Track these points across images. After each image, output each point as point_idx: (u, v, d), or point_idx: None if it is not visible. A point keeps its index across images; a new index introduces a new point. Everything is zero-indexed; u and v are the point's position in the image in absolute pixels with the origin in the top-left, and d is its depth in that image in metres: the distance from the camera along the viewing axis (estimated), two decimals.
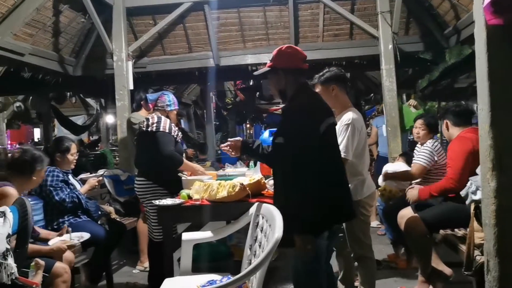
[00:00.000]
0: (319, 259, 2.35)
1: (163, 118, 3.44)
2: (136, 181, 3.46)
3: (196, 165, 3.69)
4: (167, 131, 3.35)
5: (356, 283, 3.31)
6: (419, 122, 3.94)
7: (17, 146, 10.74)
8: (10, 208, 2.29)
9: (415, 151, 4.01)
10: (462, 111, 3.33)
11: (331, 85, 2.92)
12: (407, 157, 4.31)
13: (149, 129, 3.37)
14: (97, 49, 5.88)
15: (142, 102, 4.43)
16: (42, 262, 2.48)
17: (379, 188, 4.05)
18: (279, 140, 2.31)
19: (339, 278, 3.18)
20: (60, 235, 3.03)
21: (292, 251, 2.35)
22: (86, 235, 3.05)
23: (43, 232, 3.06)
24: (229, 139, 2.71)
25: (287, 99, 2.44)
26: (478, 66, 2.08)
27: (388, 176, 3.97)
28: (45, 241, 2.94)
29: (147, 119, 3.45)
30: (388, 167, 4.13)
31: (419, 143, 3.98)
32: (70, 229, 3.07)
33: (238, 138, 2.68)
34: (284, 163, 2.29)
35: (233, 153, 2.57)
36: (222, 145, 2.76)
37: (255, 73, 2.67)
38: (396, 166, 4.13)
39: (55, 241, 2.90)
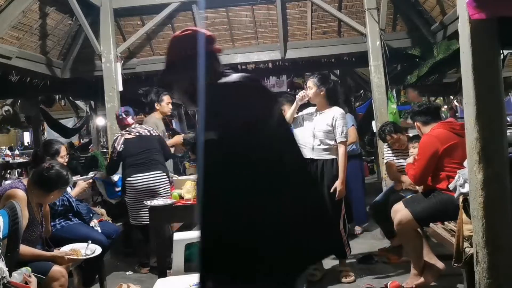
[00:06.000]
0: None
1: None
2: (152, 175, 3.81)
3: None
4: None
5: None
6: (388, 138, 4.19)
7: (7, 151, 10.60)
8: (0, 212, 2.27)
9: None
10: (425, 110, 3.47)
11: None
12: None
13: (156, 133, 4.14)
14: (85, 51, 5.83)
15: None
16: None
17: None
18: None
19: None
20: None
21: None
22: (98, 250, 2.99)
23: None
24: None
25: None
26: (462, 60, 2.10)
27: None
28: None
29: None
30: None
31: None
32: (90, 241, 3.01)
33: None
34: None
35: None
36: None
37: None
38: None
39: (67, 248, 2.88)
